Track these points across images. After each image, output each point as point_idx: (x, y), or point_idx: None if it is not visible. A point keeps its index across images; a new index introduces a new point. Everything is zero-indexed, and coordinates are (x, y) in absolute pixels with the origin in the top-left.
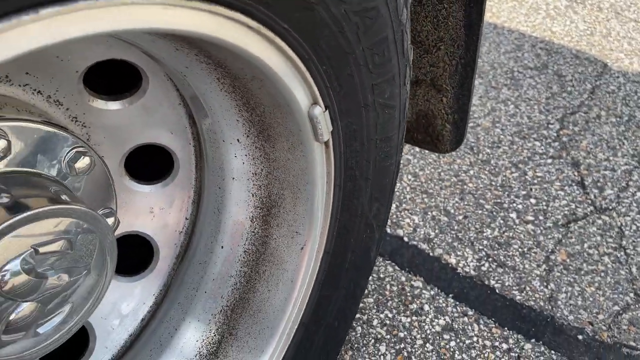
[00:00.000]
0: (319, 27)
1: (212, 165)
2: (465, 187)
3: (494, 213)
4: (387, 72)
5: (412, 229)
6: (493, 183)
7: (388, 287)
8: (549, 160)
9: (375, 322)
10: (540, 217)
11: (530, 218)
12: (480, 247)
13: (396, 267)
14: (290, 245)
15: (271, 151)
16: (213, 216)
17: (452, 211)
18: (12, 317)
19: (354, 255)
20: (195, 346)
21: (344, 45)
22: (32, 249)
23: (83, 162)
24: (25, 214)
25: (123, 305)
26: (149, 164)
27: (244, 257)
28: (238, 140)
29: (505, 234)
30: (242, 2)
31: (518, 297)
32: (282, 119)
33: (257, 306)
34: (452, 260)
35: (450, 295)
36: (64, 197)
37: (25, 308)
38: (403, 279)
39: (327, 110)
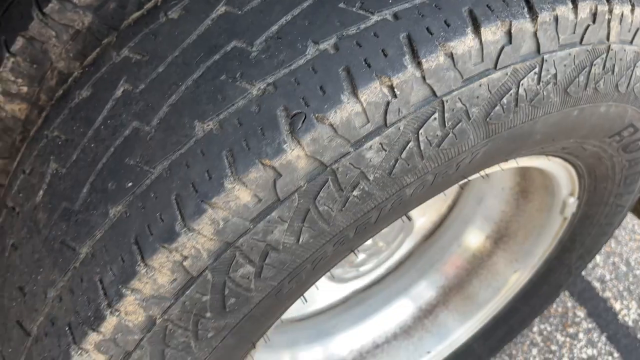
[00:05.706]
0: (599, 167)
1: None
2: None
3: None
4: (632, 189)
5: (591, 266)
6: None
7: (555, 306)
8: None
9: (535, 329)
10: None
11: None
12: None
13: (567, 293)
14: (507, 266)
15: (525, 205)
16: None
17: (633, 264)
18: None
19: (547, 287)
20: None
21: (610, 175)
22: None
23: None
24: None
25: None
26: None
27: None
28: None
29: None
30: (564, 157)
31: None
32: (546, 195)
33: (469, 292)
34: (617, 306)
35: (605, 334)
36: None
37: None
38: (569, 304)
39: (578, 201)
